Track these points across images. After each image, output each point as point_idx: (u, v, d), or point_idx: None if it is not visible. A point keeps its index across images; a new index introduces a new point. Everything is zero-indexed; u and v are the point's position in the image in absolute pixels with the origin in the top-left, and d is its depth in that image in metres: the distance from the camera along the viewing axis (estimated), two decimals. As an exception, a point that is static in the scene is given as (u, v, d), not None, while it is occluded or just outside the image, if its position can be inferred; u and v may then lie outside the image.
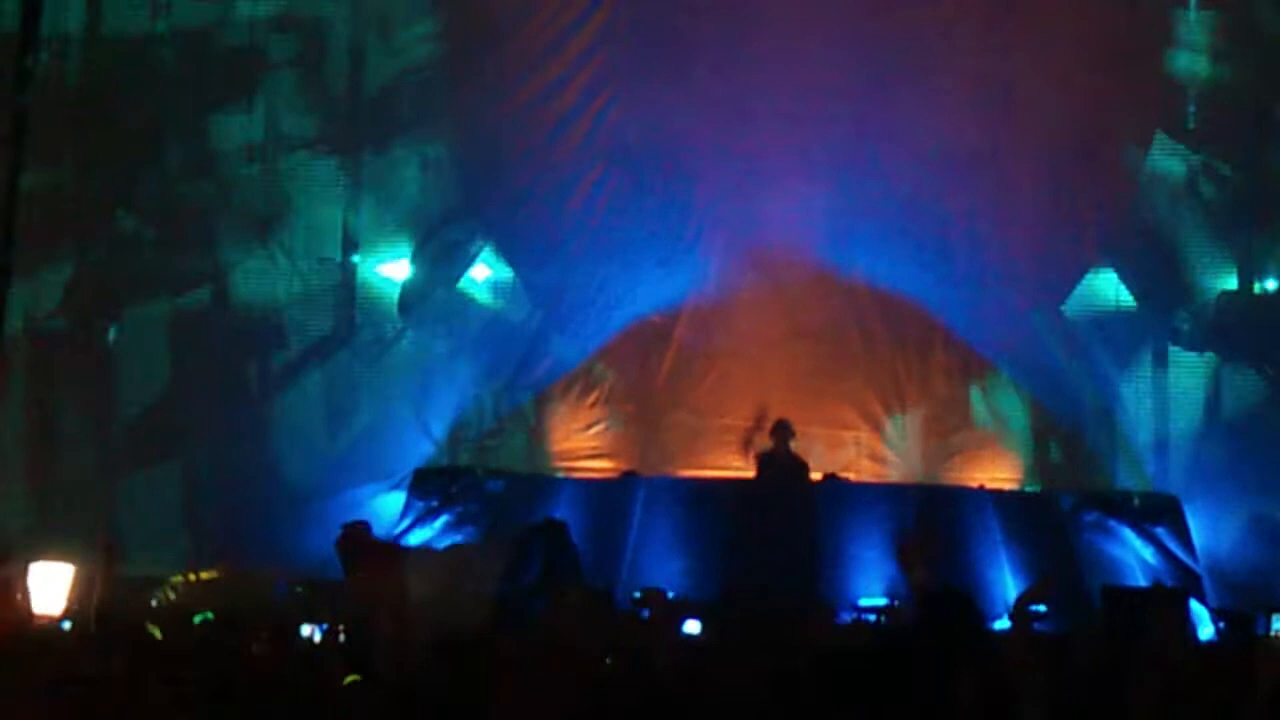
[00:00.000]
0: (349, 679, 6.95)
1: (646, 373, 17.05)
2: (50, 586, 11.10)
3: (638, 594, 13.99)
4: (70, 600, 10.97)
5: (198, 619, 8.69)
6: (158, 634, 7.41)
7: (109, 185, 17.01)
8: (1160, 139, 17.01)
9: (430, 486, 15.82)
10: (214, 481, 16.40)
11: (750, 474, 15.98)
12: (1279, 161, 16.87)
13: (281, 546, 15.09)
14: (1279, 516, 16.19)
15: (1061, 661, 7.22)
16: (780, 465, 15.66)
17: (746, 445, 16.18)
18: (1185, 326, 16.84)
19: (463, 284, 17.26)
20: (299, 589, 13.34)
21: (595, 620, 10.93)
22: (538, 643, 8.29)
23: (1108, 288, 17.01)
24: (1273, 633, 12.77)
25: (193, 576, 13.13)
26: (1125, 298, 16.96)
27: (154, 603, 11.72)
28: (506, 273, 17.32)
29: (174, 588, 12.40)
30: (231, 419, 16.64)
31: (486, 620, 9.09)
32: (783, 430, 15.73)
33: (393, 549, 13.95)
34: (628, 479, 16.07)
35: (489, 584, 9.41)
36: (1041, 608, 13.90)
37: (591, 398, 17.08)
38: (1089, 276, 17.00)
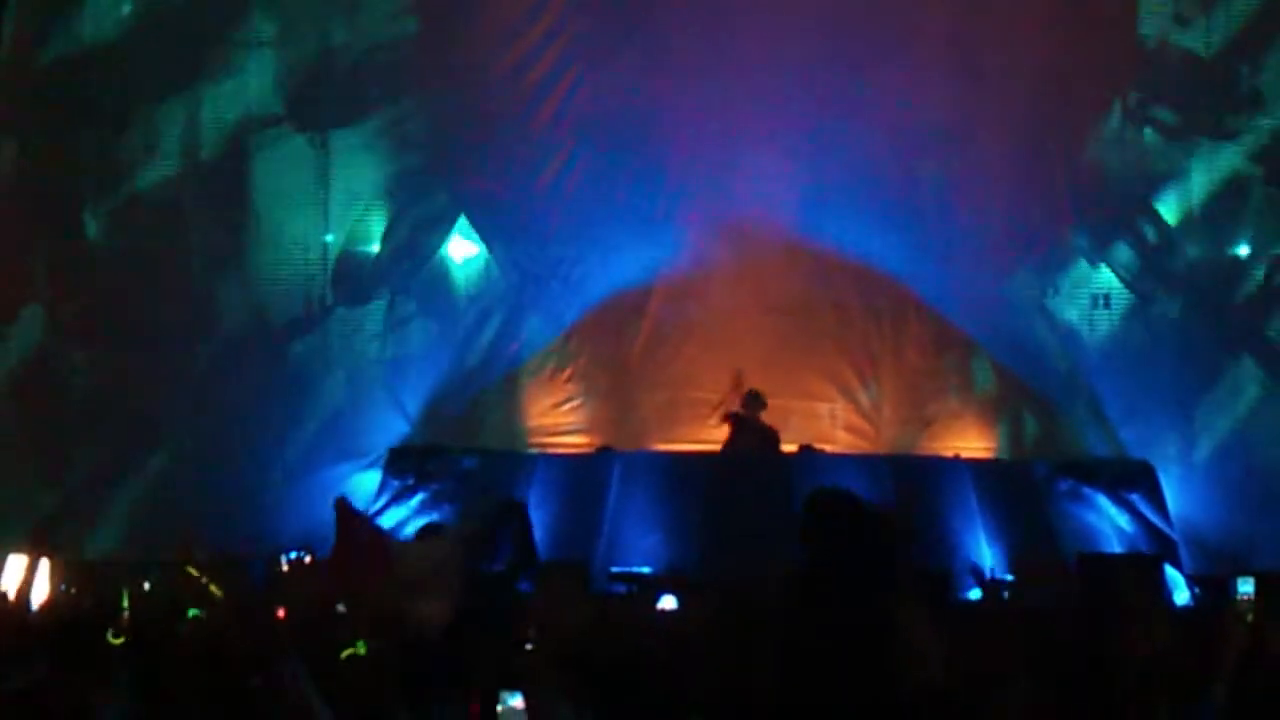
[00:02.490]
0: (346, 652, 6.88)
1: (621, 347, 17.03)
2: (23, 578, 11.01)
3: (614, 570, 14.02)
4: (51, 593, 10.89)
5: (192, 613, 8.58)
6: (117, 641, 7.30)
7: (77, 165, 16.90)
8: (1132, 106, 17.03)
9: (405, 465, 15.79)
10: (187, 463, 16.30)
11: (724, 447, 15.97)
12: (1249, 126, 16.89)
13: (256, 527, 15.04)
14: (1252, 481, 16.26)
15: (1039, 631, 7.25)
16: (752, 430, 15.68)
17: (719, 408, 16.12)
18: (1158, 293, 16.88)
19: (435, 261, 17.21)
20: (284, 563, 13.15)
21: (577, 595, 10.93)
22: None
23: (1080, 256, 17.04)
24: (1239, 596, 12.83)
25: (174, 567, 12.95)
26: (1097, 266, 16.99)
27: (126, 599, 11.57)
28: (479, 248, 17.27)
29: (153, 581, 12.23)
30: (205, 399, 16.55)
31: (456, 608, 9.06)
32: (754, 400, 15.76)
33: (382, 541, 13.78)
34: (603, 454, 16.07)
35: (459, 571, 9.39)
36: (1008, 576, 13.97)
37: (566, 373, 17.05)
38: (1061, 245, 17.03)
